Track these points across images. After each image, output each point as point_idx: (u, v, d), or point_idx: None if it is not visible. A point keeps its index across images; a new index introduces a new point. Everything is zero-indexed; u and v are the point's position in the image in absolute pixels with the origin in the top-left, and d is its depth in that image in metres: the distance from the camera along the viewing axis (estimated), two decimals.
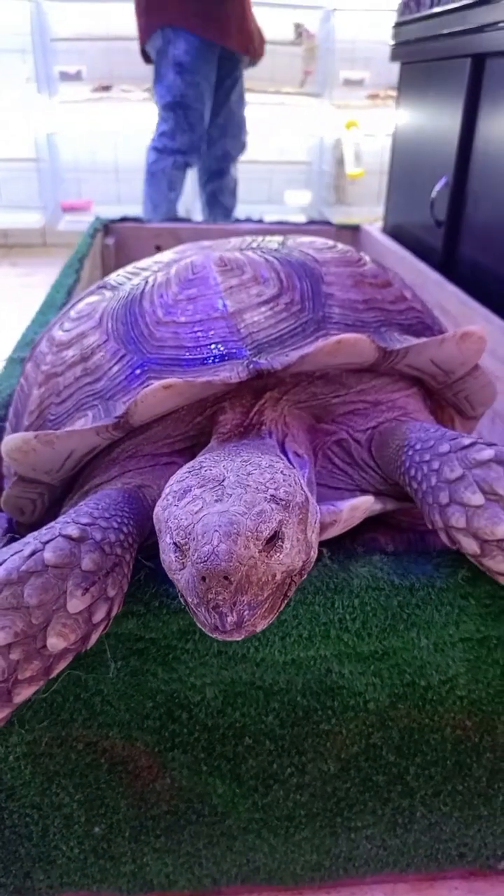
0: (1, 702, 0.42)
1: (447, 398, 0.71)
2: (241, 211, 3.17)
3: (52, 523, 0.48)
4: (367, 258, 0.73)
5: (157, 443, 0.61)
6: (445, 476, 0.49)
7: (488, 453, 0.49)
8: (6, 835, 0.58)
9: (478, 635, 0.53)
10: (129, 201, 3.79)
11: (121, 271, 0.76)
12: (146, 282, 0.66)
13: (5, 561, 0.43)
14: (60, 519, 0.48)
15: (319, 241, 0.72)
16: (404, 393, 0.66)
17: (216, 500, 0.43)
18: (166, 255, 0.74)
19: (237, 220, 1.83)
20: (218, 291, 0.62)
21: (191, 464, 0.49)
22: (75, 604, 0.43)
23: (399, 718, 0.56)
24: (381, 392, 0.64)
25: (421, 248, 1.53)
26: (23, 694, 0.42)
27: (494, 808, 0.62)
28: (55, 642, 0.42)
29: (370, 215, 3.53)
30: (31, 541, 0.45)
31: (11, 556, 0.44)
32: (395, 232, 1.75)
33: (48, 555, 0.44)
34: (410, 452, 0.54)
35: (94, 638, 0.45)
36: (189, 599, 0.40)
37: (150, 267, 0.71)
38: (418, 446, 0.54)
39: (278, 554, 0.43)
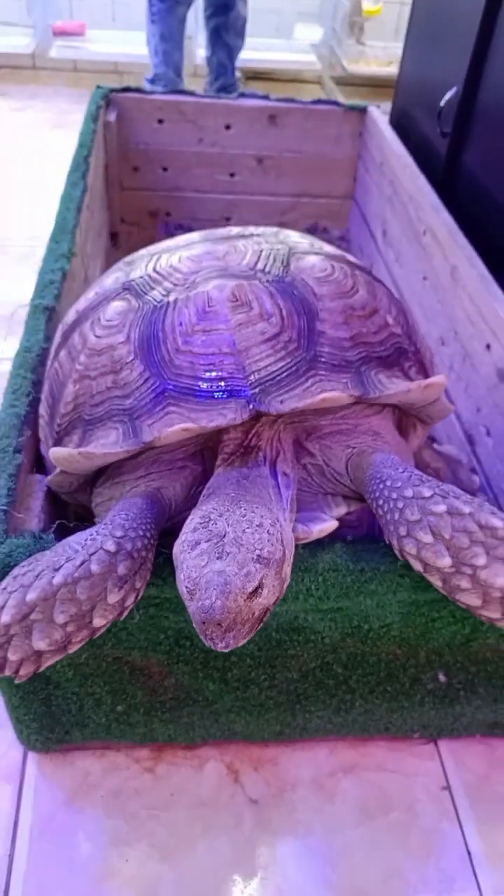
0: (59, 652, 0.59)
1: (411, 414, 0.84)
2: (247, 46, 2.97)
3: (94, 532, 0.62)
4: (360, 282, 0.81)
5: (174, 451, 0.73)
6: (406, 517, 0.62)
7: (441, 508, 0.62)
8: (53, 709, 0.79)
9: (409, 599, 0.70)
10: (126, 24, 3.50)
11: (142, 264, 0.83)
12: (167, 303, 0.74)
13: (61, 567, 0.59)
14: (101, 529, 0.63)
15: (319, 264, 0.78)
16: (378, 415, 0.78)
17: (217, 558, 0.57)
18: (184, 263, 0.80)
19: (242, 95, 1.77)
20: (229, 327, 0.71)
21: (203, 513, 0.62)
22: (113, 597, 0.59)
23: (346, 647, 0.75)
24: (360, 416, 0.76)
25: (426, 148, 1.54)
26: (74, 648, 0.60)
27: (413, 703, 0.83)
28: (98, 621, 0.59)
29: (384, 57, 3.31)
30: (79, 550, 0.60)
31: (66, 563, 0.59)
32: (403, 122, 1.73)
33: (94, 567, 0.59)
34: (381, 487, 0.66)
35: (126, 613, 0.62)
36: (193, 623, 0.56)
37: (170, 274, 0.78)
38: (388, 483, 0.66)
39: (258, 598, 0.57)
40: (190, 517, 0.63)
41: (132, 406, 0.71)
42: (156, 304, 0.75)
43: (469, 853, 0.82)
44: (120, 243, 1.82)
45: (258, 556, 0.57)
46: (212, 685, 0.78)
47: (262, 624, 0.59)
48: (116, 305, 0.76)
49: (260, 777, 0.86)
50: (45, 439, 0.82)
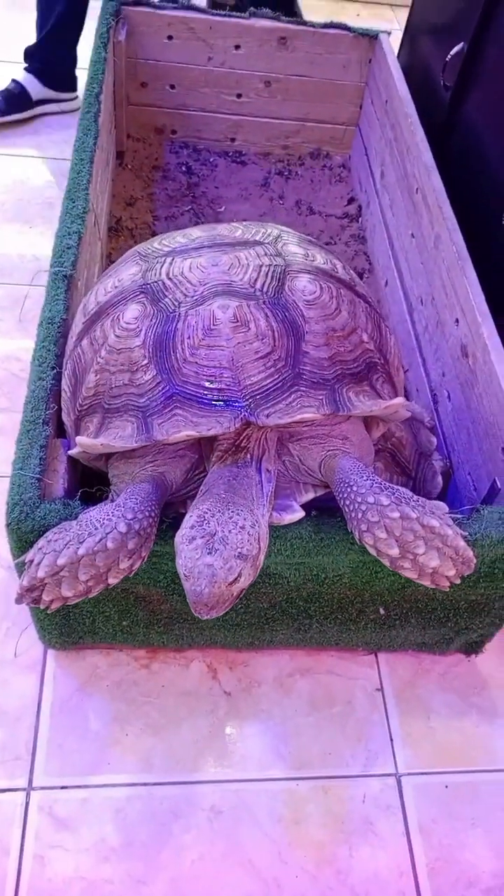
0: (81, 596, 0.79)
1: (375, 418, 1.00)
2: None
3: (111, 513, 0.79)
4: (343, 302, 0.92)
5: (177, 443, 0.88)
6: (367, 518, 0.79)
7: (395, 514, 0.79)
8: (70, 621, 0.99)
9: (358, 559, 0.89)
10: None
11: (157, 266, 0.92)
12: (178, 314, 0.86)
13: (84, 541, 0.77)
14: (116, 511, 0.79)
15: (309, 287, 0.90)
16: (348, 422, 0.93)
17: (208, 553, 0.74)
18: (194, 273, 0.90)
19: (253, 14, 1.75)
20: (229, 345, 0.84)
21: (200, 512, 0.78)
22: (124, 564, 0.78)
23: (307, 588, 0.94)
24: (333, 423, 0.91)
25: (429, 96, 1.58)
26: (93, 594, 0.79)
27: (359, 627, 1.04)
28: (113, 580, 0.78)
29: None
30: (98, 528, 0.78)
31: (88, 538, 0.77)
32: (410, 63, 1.74)
33: (109, 543, 0.77)
34: (349, 490, 0.83)
35: (134, 571, 0.80)
36: (187, 598, 0.74)
37: (181, 283, 0.89)
38: (354, 488, 0.82)
39: (237, 584, 0.74)
40: (189, 513, 0.79)
41: (145, 405, 0.85)
42: (168, 313, 0.86)
43: (391, 739, 1.06)
44: (126, 161, 1.86)
45: (239, 553, 0.74)
46: None
47: (238, 598, 0.77)
48: (134, 309, 0.88)
49: (233, 675, 1.09)
50: (67, 411, 0.96)
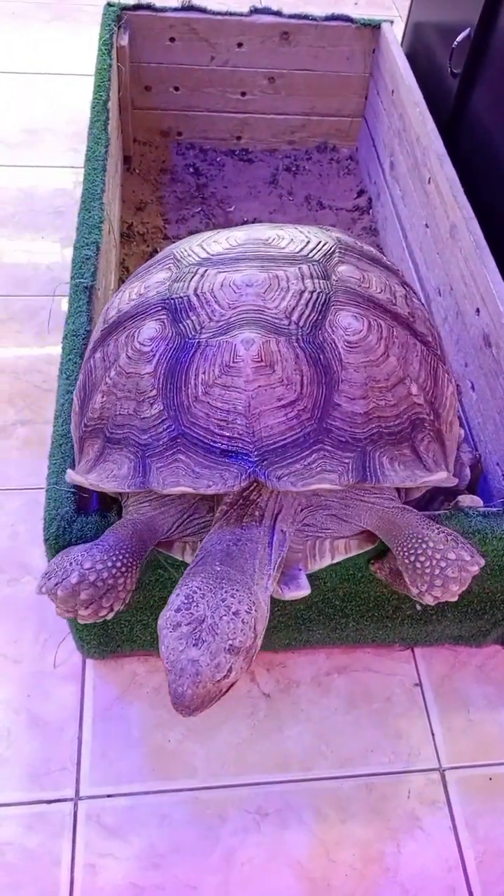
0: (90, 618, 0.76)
1: None
2: None
3: (77, 556, 0.75)
4: (394, 345, 0.81)
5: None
6: (446, 574, 0.76)
7: (475, 568, 0.77)
8: (109, 630, 0.99)
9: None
10: None
11: (188, 277, 0.84)
12: (197, 343, 0.77)
13: (44, 585, 0.74)
14: (79, 556, 0.75)
15: (354, 325, 0.79)
16: (383, 496, 0.83)
17: (194, 644, 0.65)
18: (225, 292, 0.80)
19: (254, 11, 1.74)
20: (249, 388, 0.74)
21: (188, 591, 0.69)
22: (83, 612, 0.74)
23: (343, 588, 0.94)
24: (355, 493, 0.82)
25: (436, 84, 1.57)
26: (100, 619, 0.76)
27: (395, 624, 1.04)
28: (85, 621, 0.75)
29: None
30: (60, 571, 0.74)
31: (49, 580, 0.74)
32: (415, 51, 1.73)
33: (60, 592, 0.73)
34: (424, 547, 0.77)
35: (111, 616, 0.75)
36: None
37: (208, 303, 0.80)
38: (431, 544, 0.77)
39: (226, 680, 0.66)
40: (176, 590, 0.70)
41: (147, 443, 0.77)
42: (187, 339, 0.78)
43: (433, 734, 1.06)
44: (133, 166, 1.86)
45: (230, 645, 0.66)
46: None
47: (228, 691, 0.69)
48: (151, 328, 0.80)
49: (271, 676, 1.09)
50: (74, 425, 0.90)
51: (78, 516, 0.84)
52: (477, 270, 1.19)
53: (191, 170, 1.88)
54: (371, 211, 1.82)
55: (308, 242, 0.89)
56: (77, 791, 0.98)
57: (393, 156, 1.66)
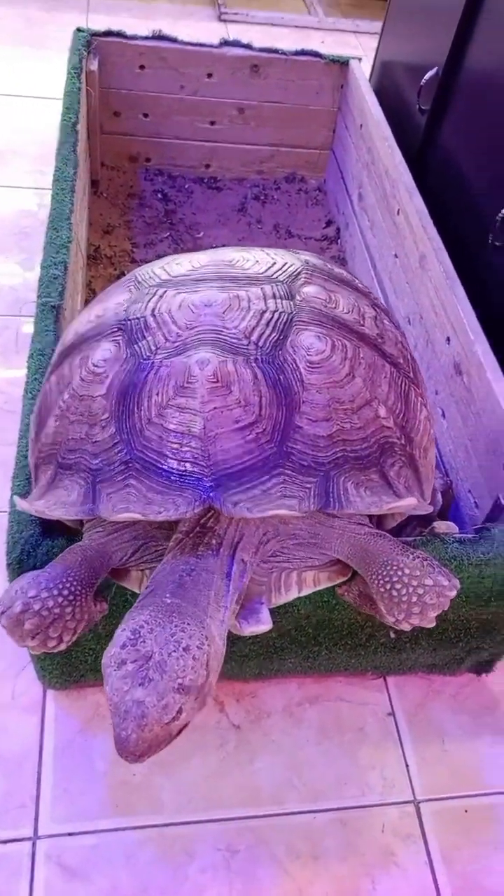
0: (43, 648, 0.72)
1: None
2: None
3: (23, 583, 0.71)
4: (360, 366, 0.77)
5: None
6: (424, 601, 0.73)
7: (453, 593, 0.74)
8: (72, 659, 0.95)
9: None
10: None
11: (146, 299, 0.81)
12: (151, 363, 0.74)
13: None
14: (26, 584, 0.71)
15: (316, 346, 0.75)
16: (352, 521, 0.80)
17: (139, 684, 0.60)
18: (183, 313, 0.77)
19: (225, 43, 1.77)
20: (203, 410, 0.70)
21: (135, 625, 0.64)
22: (29, 643, 0.70)
23: (317, 615, 0.92)
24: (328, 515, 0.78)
25: (404, 119, 1.60)
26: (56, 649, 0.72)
27: (368, 651, 1.02)
28: (31, 650, 0.72)
29: None
30: (6, 599, 0.70)
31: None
32: (383, 87, 1.77)
33: (4, 622, 0.69)
34: (400, 574, 0.74)
35: (61, 647, 0.71)
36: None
37: (165, 324, 0.77)
38: (407, 571, 0.74)
39: (176, 723, 0.61)
40: (122, 624, 0.66)
41: (98, 468, 0.73)
42: (142, 360, 0.74)
43: (407, 765, 1.03)
44: (101, 190, 1.85)
45: (179, 685, 0.61)
46: None
47: (180, 734, 0.63)
48: (105, 349, 0.77)
49: (241, 707, 1.06)
50: (30, 453, 0.86)
51: (44, 539, 0.80)
52: (447, 300, 1.21)
53: (159, 195, 1.89)
54: (339, 241, 1.84)
55: (274, 264, 0.86)
56: (35, 830, 0.92)
57: (361, 187, 1.69)
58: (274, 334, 0.76)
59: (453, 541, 0.87)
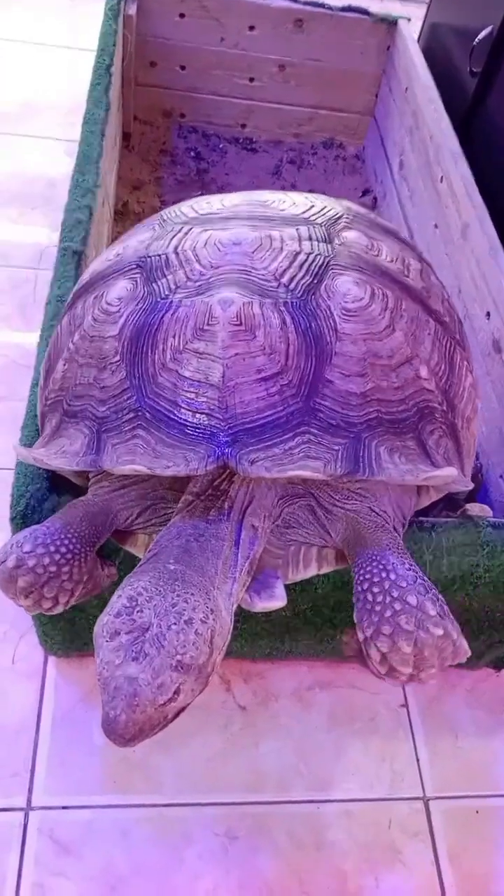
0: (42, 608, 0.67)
1: None
2: None
3: (20, 538, 0.65)
4: (401, 319, 0.70)
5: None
6: (400, 623, 0.59)
7: (439, 632, 0.59)
8: (76, 627, 0.91)
9: None
10: None
11: (168, 236, 0.75)
12: (170, 303, 0.67)
13: None
14: (22, 538, 0.65)
15: (353, 291, 0.68)
16: (368, 501, 0.71)
17: (133, 658, 0.53)
18: (208, 250, 0.70)
19: None
20: (225, 356, 0.63)
21: (133, 591, 0.57)
22: (23, 603, 0.65)
23: (335, 596, 0.87)
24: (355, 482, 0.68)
25: (452, 83, 1.52)
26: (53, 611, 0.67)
27: None
28: (27, 610, 0.67)
29: None
30: (1, 554, 0.65)
31: None
32: (432, 49, 1.68)
33: None
34: (384, 576, 0.62)
35: (58, 609, 0.66)
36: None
37: (188, 261, 0.70)
38: (392, 577, 0.62)
39: (172, 704, 0.53)
40: (119, 590, 0.59)
41: (104, 416, 0.67)
42: (160, 299, 0.68)
43: (418, 759, 0.98)
44: (132, 144, 1.78)
45: (178, 662, 0.54)
46: None
47: (176, 718, 0.57)
48: (121, 287, 0.70)
49: (248, 688, 1.01)
50: (38, 401, 0.81)
51: (51, 494, 0.75)
52: (490, 271, 1.14)
53: (192, 154, 1.81)
54: (376, 210, 1.76)
55: (312, 206, 0.79)
56: (29, 801, 0.89)
57: (403, 154, 1.61)
58: (307, 278, 0.68)
59: (487, 524, 0.81)
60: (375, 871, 0.89)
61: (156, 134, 1.83)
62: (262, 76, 1.78)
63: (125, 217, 1.59)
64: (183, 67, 1.76)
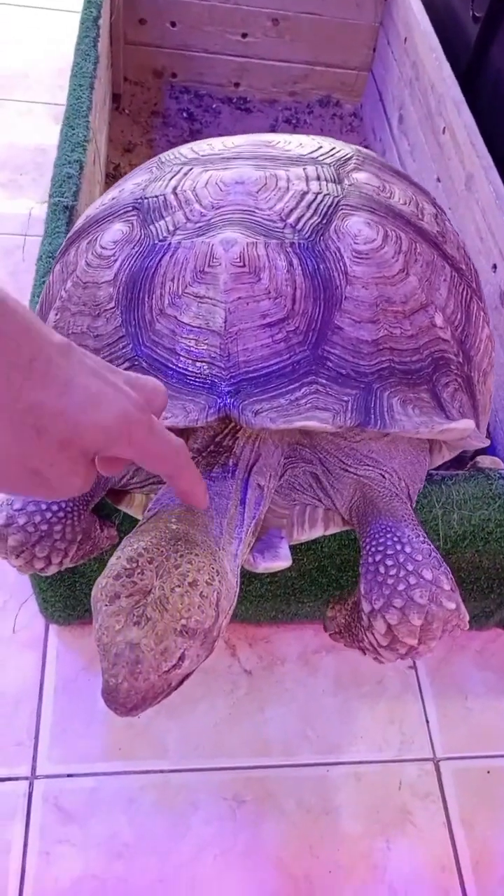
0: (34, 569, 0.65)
1: None
2: None
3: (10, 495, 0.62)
4: (415, 263, 0.66)
5: None
6: (413, 597, 0.59)
7: (451, 605, 0.59)
8: (76, 593, 0.89)
9: None
10: None
11: (167, 176, 0.71)
12: (168, 244, 0.63)
13: None
14: (9, 497, 0.63)
15: (365, 232, 0.64)
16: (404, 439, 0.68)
17: (135, 623, 0.49)
18: (209, 190, 0.67)
19: None
20: (227, 299, 0.60)
21: (133, 552, 0.53)
22: (15, 563, 0.63)
23: (342, 555, 0.85)
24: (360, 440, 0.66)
25: (453, 31, 1.46)
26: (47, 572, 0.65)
27: None
28: (19, 570, 0.64)
29: None
30: None
31: None
32: None
33: None
34: (398, 548, 0.61)
35: (52, 570, 0.65)
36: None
37: (188, 202, 0.67)
38: (408, 550, 0.60)
39: (176, 671, 0.50)
40: (118, 551, 0.55)
41: None
42: (157, 241, 0.64)
43: (427, 721, 0.97)
44: (123, 105, 1.73)
45: (182, 626, 0.50)
46: None
47: (181, 685, 0.54)
48: (116, 230, 0.67)
49: (254, 652, 0.99)
50: None
51: None
52: (496, 222, 1.10)
53: (184, 115, 1.76)
54: None
55: (320, 147, 0.75)
56: (33, 769, 0.87)
57: (402, 108, 1.56)
58: (315, 218, 0.64)
59: (499, 476, 0.79)
60: (386, 833, 0.87)
61: (147, 95, 1.78)
62: (255, 31, 1.72)
63: (117, 180, 1.54)
64: (174, 24, 1.70)
